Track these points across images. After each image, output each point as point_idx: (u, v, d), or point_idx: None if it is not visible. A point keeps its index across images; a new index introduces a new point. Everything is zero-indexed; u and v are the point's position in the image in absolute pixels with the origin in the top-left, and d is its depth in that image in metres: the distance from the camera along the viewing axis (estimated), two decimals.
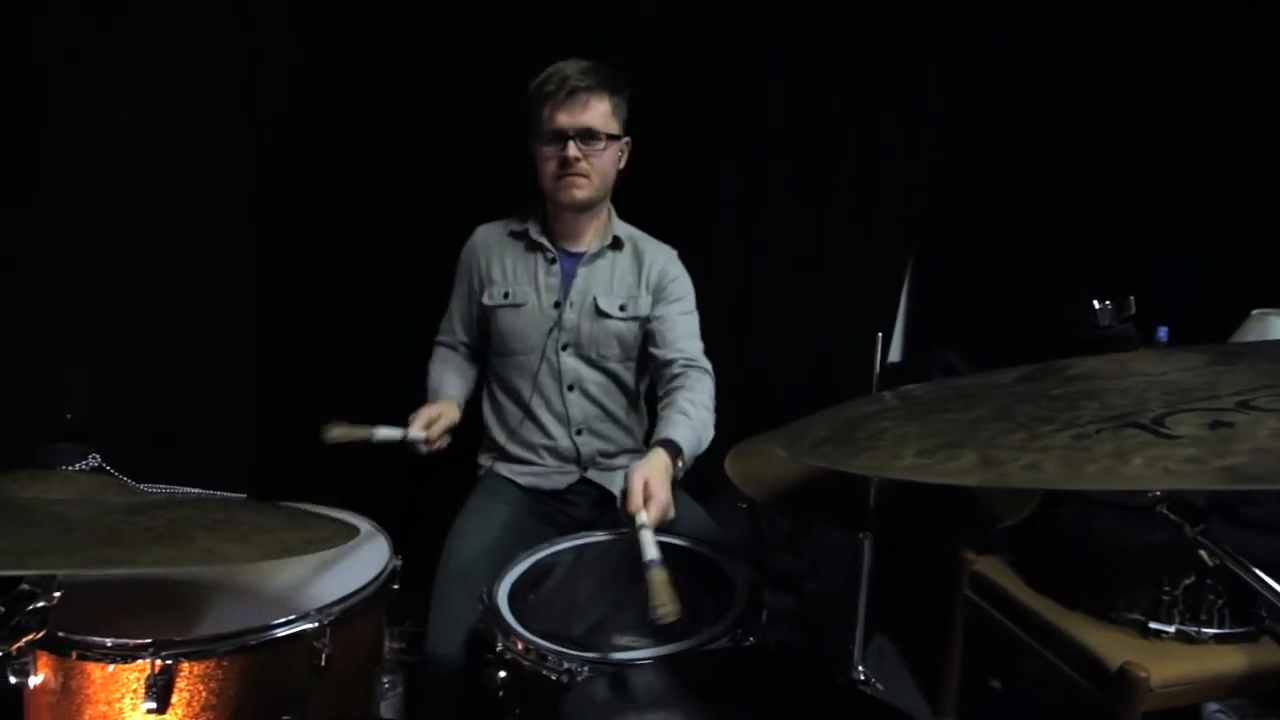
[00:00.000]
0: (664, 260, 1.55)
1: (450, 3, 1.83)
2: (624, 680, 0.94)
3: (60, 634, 0.96)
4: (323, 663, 1.06)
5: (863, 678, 1.17)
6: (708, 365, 1.47)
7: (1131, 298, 0.76)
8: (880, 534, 1.18)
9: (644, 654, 1.00)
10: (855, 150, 2.11)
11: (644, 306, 1.51)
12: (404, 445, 1.38)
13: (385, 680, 1.42)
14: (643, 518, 1.13)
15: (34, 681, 0.99)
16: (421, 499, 1.78)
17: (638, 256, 1.54)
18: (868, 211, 2.13)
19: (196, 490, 0.95)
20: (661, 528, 1.17)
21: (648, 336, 1.52)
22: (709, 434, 1.38)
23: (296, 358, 1.86)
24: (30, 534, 0.70)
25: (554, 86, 1.38)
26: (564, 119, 1.39)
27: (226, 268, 1.81)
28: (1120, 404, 0.61)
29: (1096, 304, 0.75)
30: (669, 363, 1.45)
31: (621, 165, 1.52)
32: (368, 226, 1.88)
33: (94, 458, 0.82)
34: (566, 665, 0.98)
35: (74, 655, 0.97)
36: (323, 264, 1.87)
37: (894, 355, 2.32)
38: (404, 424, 1.38)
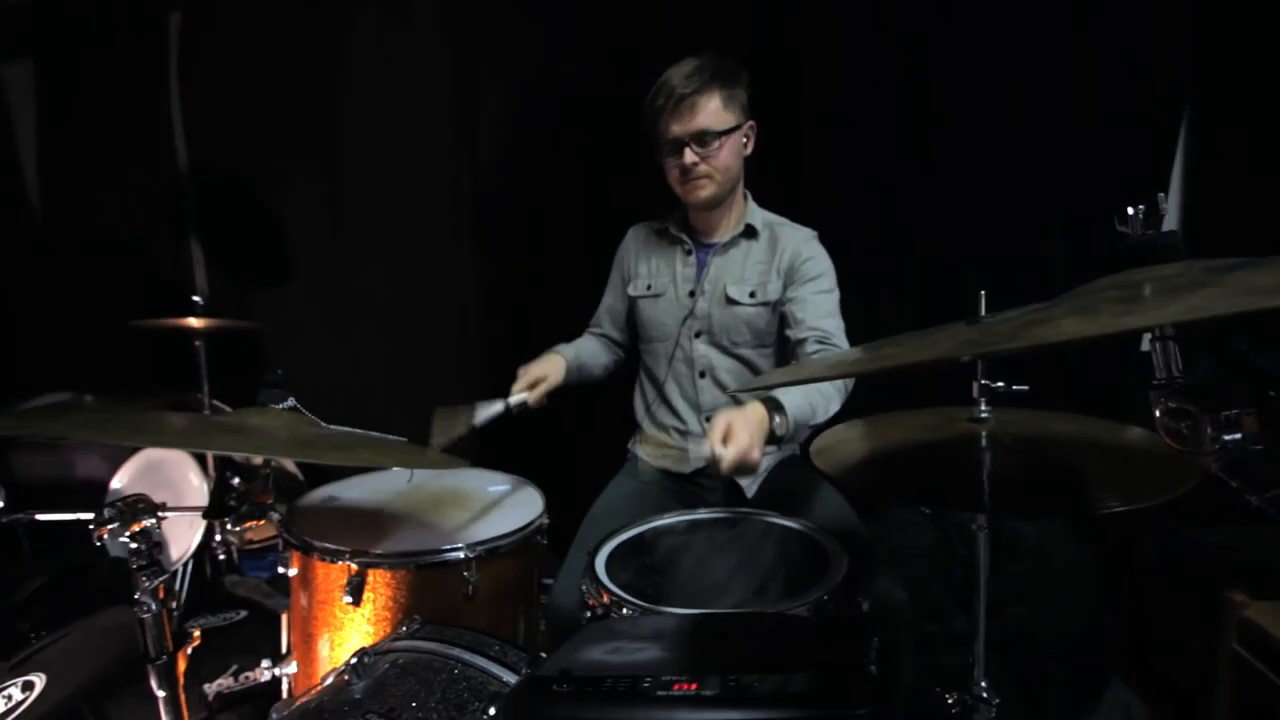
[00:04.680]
0: (798, 242, 1.51)
1: (634, 62, 2.04)
2: (644, 621, 0.96)
3: (305, 538, 1.32)
4: (470, 591, 1.28)
5: (984, 695, 0.97)
6: (844, 344, 1.39)
7: (1161, 195, 0.56)
8: (993, 515, 1.00)
9: (702, 611, 1.00)
10: None
11: (774, 291, 1.49)
12: (508, 413, 1.46)
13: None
14: (720, 451, 1.12)
15: (291, 572, 1.38)
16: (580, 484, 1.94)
17: (773, 242, 1.52)
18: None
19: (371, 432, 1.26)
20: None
21: (783, 320, 1.49)
22: (828, 405, 1.31)
23: (496, 358, 2.21)
24: (259, 439, 1.05)
25: (663, 99, 1.43)
26: (676, 128, 1.43)
27: (443, 280, 2.34)
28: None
29: (1130, 210, 0.57)
30: (801, 341, 1.41)
31: (748, 150, 1.52)
32: (554, 249, 2.22)
33: (291, 399, 1.15)
34: (629, 610, 1.03)
35: (314, 556, 1.33)
36: (519, 277, 2.27)
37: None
38: (508, 393, 1.48)
